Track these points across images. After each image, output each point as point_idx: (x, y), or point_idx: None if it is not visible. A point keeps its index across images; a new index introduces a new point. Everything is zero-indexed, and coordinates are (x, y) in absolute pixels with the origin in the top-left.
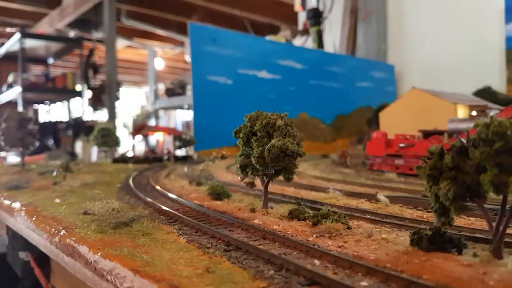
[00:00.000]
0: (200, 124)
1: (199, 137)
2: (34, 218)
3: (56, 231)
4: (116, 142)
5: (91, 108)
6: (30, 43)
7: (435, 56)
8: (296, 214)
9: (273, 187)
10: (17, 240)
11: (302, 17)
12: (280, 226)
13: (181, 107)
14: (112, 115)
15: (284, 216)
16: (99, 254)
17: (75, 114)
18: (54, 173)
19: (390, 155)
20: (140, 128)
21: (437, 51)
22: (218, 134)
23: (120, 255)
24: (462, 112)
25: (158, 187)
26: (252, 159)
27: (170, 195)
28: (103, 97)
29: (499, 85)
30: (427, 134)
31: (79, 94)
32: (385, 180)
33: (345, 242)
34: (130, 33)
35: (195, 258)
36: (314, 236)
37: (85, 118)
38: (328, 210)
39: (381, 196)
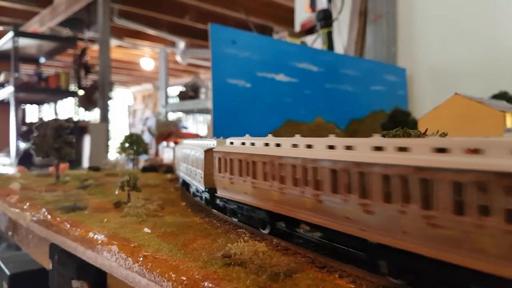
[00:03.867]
0: (219, 131)
1: None
2: (141, 259)
3: (192, 283)
4: (144, 150)
5: (82, 109)
6: (22, 42)
7: (447, 59)
8: None
9: None
10: (68, 267)
11: (299, 18)
12: None
13: (192, 111)
14: (105, 116)
15: None
16: None
17: (67, 115)
18: (117, 192)
19: None
20: (167, 135)
21: (449, 54)
22: None
23: None
24: (510, 121)
25: None
26: None
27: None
28: (95, 97)
29: None
30: None
31: (73, 94)
32: None
33: None
34: (120, 33)
35: None
36: None
37: (77, 119)
38: None
39: None
